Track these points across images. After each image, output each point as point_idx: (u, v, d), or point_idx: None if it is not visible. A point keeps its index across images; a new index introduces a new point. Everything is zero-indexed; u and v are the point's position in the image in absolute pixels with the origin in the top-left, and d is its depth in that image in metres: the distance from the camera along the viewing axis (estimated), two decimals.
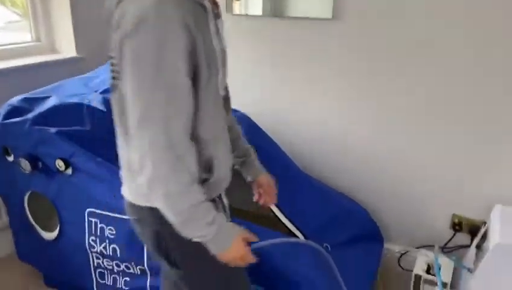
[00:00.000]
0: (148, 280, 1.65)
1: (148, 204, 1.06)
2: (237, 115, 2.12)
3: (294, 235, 1.84)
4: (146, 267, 1.62)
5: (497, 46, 1.75)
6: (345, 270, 1.62)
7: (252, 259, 1.08)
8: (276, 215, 1.88)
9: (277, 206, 1.87)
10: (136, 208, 1.11)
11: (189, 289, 1.18)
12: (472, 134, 1.90)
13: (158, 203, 0.97)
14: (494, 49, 1.76)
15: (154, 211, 1.01)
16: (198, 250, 1.02)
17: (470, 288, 1.69)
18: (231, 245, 1.02)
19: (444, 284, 1.76)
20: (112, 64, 1.02)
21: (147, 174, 0.92)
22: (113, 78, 1.03)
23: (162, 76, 0.89)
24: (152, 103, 0.90)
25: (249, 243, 1.08)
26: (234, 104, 2.24)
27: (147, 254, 1.59)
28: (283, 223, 1.87)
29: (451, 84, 1.88)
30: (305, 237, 1.83)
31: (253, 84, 2.32)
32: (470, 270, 1.71)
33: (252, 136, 2.05)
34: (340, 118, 2.14)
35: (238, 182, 2.28)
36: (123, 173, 1.14)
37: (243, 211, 2.29)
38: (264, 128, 2.14)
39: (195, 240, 0.99)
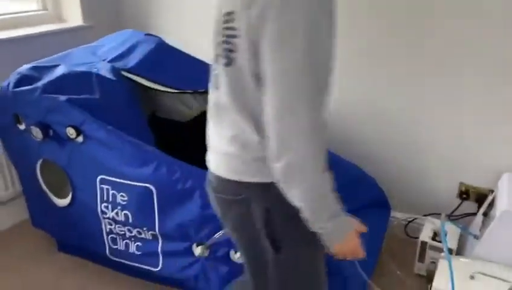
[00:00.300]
0: (160, 245, 1.69)
1: (262, 180, 1.02)
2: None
3: None
4: (158, 233, 1.65)
5: None
6: None
7: (362, 253, 1.05)
8: None
9: None
10: (243, 185, 1.05)
11: (281, 275, 1.14)
12: (481, 102, 1.89)
13: (294, 190, 0.93)
14: None
15: (266, 187, 1.00)
16: (306, 235, 1.01)
17: (476, 254, 1.71)
18: (346, 239, 1.00)
19: (450, 251, 1.79)
20: (229, 36, 0.94)
21: (288, 159, 0.89)
22: (229, 50, 0.95)
23: (311, 60, 0.85)
24: (299, 87, 0.85)
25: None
26: None
27: (158, 220, 1.62)
28: None
29: (460, 52, 1.85)
30: None
31: None
32: (476, 237, 1.74)
33: None
34: (349, 87, 2.13)
35: None
36: (221, 149, 1.08)
37: None
38: None
39: (315, 229, 0.98)
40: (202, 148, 2.42)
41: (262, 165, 0.99)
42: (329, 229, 0.98)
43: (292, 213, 0.98)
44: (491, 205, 1.79)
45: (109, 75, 1.87)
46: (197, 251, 1.60)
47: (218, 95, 1.05)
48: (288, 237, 1.08)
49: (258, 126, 0.97)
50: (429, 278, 1.88)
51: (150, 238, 1.69)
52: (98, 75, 1.85)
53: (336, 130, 2.23)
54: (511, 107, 1.84)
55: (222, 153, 1.09)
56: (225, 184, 1.09)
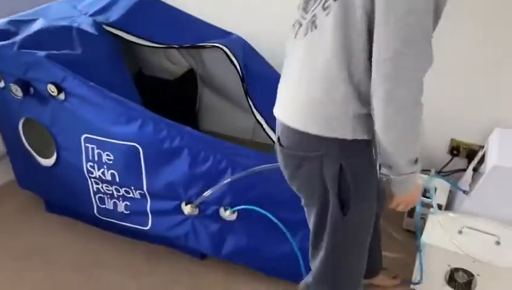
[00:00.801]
0: (149, 204, 1.67)
1: (343, 136, 1.02)
2: (233, 38, 2.05)
3: None
4: (146, 192, 1.63)
5: None
6: None
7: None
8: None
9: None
10: (322, 140, 1.04)
11: (341, 237, 1.17)
12: (472, 57, 1.84)
13: (393, 134, 0.97)
14: None
15: (346, 144, 1.02)
16: (373, 193, 1.13)
17: (465, 209, 1.72)
18: (413, 191, 1.12)
19: (439, 206, 1.79)
20: None
21: (405, 91, 0.92)
22: None
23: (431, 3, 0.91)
24: (424, 26, 0.91)
25: None
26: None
27: (146, 179, 1.60)
28: None
29: None
30: None
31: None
32: (465, 192, 1.74)
33: (251, 61, 2.01)
34: None
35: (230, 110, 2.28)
36: (302, 99, 1.06)
37: (238, 139, 2.31)
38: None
39: (394, 175, 1.06)
40: (190, 107, 2.40)
41: (349, 119, 1.00)
42: (408, 177, 1.05)
43: (364, 170, 1.07)
44: (481, 160, 1.79)
45: (91, 30, 1.79)
46: (186, 209, 1.58)
47: (311, 35, 1.02)
48: (356, 197, 1.10)
49: (352, 76, 0.97)
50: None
51: (139, 197, 1.67)
52: (79, 30, 1.77)
53: None
54: (501, 63, 1.80)
55: (304, 103, 1.06)
56: (301, 138, 1.07)
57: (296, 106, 1.08)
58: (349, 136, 1.02)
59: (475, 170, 1.76)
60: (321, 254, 1.22)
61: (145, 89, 1.96)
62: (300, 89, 1.07)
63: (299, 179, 1.16)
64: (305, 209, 1.25)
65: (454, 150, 2.03)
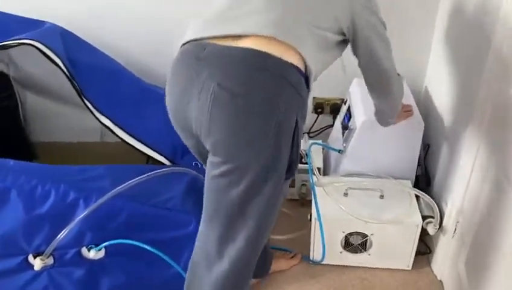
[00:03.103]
0: None
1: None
2: (47, 28, 1.64)
3: (158, 162, 1.58)
4: None
5: None
6: None
7: (411, 113, 1.58)
8: (129, 144, 1.57)
9: (128, 133, 1.56)
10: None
11: (273, 209, 1.09)
12: None
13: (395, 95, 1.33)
14: None
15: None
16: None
17: (343, 168, 1.68)
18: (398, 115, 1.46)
19: (318, 169, 1.74)
20: None
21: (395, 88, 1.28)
22: None
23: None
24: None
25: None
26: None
27: None
28: (140, 151, 1.58)
29: None
30: (171, 161, 1.58)
31: None
32: (341, 152, 1.70)
33: (76, 52, 1.63)
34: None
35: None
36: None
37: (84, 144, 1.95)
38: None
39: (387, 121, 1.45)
40: (11, 118, 1.93)
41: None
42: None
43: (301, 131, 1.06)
44: (349, 114, 1.75)
45: None
46: (36, 263, 1.23)
47: None
48: (296, 159, 1.07)
49: None
50: (302, 201, 1.84)
51: None
52: None
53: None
54: None
55: None
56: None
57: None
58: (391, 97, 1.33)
59: (346, 128, 1.72)
60: (241, 237, 1.07)
61: None
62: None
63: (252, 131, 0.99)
64: (218, 183, 1.04)
65: (318, 108, 1.98)
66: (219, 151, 1.01)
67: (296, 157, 1.07)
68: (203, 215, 1.13)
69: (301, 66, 1.01)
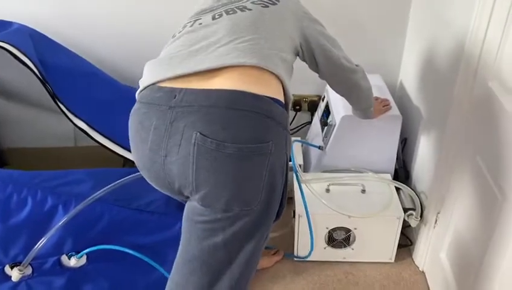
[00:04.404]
0: None
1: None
2: (15, 29, 1.58)
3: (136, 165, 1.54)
4: None
5: None
6: None
7: (389, 108, 1.63)
8: (106, 147, 1.53)
9: (105, 136, 1.51)
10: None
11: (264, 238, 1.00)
12: None
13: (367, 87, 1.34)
14: None
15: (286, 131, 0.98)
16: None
17: (324, 164, 1.69)
18: (376, 110, 1.49)
19: (299, 166, 1.74)
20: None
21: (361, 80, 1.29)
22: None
23: None
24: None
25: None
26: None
27: None
28: (118, 154, 1.54)
29: None
30: None
31: None
32: (321, 148, 1.70)
33: (47, 53, 1.58)
34: None
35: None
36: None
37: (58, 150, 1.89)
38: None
39: (368, 112, 1.45)
40: None
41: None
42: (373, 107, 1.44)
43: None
44: (327, 110, 1.76)
45: None
46: (14, 274, 1.18)
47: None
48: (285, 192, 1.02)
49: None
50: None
51: None
52: None
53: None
54: None
55: None
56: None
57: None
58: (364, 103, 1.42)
59: (325, 124, 1.72)
60: (225, 282, 0.96)
61: None
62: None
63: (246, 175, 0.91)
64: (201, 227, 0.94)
65: (296, 105, 1.99)
66: (209, 203, 0.91)
67: (285, 196, 1.01)
68: (178, 261, 1.00)
69: (280, 97, 0.96)
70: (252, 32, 0.98)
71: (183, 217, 0.98)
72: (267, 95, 0.92)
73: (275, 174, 0.93)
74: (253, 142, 0.88)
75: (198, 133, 0.86)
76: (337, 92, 1.32)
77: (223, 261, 0.95)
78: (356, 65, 1.26)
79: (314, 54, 1.15)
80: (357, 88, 1.31)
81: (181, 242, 0.98)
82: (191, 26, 1.04)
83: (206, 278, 0.95)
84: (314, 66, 1.19)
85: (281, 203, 1.00)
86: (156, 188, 1.02)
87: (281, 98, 0.97)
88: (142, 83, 0.98)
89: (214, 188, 0.89)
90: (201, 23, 1.03)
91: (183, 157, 0.88)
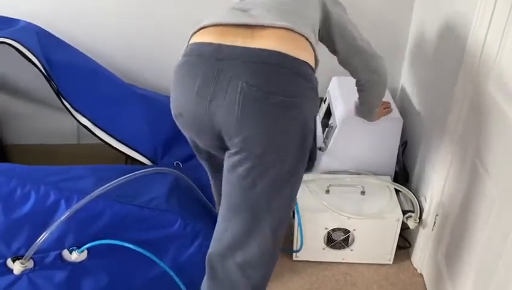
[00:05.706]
0: None
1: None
2: (21, 27, 1.60)
3: (139, 162, 1.56)
4: None
5: None
6: (202, 177, 1.44)
7: (390, 110, 1.66)
8: (109, 145, 1.54)
9: (108, 133, 1.53)
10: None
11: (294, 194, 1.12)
12: None
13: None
14: None
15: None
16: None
17: (324, 165, 1.70)
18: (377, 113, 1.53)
19: None
20: None
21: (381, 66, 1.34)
22: None
23: None
24: None
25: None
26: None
27: None
28: (121, 152, 1.56)
29: None
30: (152, 161, 1.57)
31: None
32: (321, 149, 1.71)
33: (52, 51, 1.60)
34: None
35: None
36: None
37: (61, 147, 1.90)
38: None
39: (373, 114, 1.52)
40: None
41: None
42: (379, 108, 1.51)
43: None
44: (328, 112, 1.77)
45: None
46: (16, 267, 1.20)
47: None
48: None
49: None
50: None
51: None
52: None
53: (140, 62, 1.90)
54: None
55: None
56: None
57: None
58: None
59: (326, 125, 1.74)
60: (266, 227, 1.06)
61: None
62: None
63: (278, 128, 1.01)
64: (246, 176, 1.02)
65: None
66: (248, 146, 0.99)
67: (315, 148, 1.12)
68: (220, 212, 1.09)
69: (311, 62, 1.06)
70: (293, 4, 1.11)
71: (224, 171, 1.06)
72: (304, 60, 1.02)
73: (307, 127, 1.04)
74: (293, 97, 0.99)
75: (244, 83, 0.96)
76: (355, 77, 1.35)
77: (263, 208, 1.04)
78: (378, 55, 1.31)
79: (332, 31, 1.21)
80: (374, 72, 1.32)
81: (222, 194, 1.08)
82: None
83: (248, 222, 1.05)
84: (332, 47, 1.25)
85: (310, 157, 1.10)
86: (189, 134, 1.11)
87: (313, 64, 1.07)
88: (200, 25, 1.07)
89: (255, 132, 0.98)
90: None
91: (229, 103, 0.96)
